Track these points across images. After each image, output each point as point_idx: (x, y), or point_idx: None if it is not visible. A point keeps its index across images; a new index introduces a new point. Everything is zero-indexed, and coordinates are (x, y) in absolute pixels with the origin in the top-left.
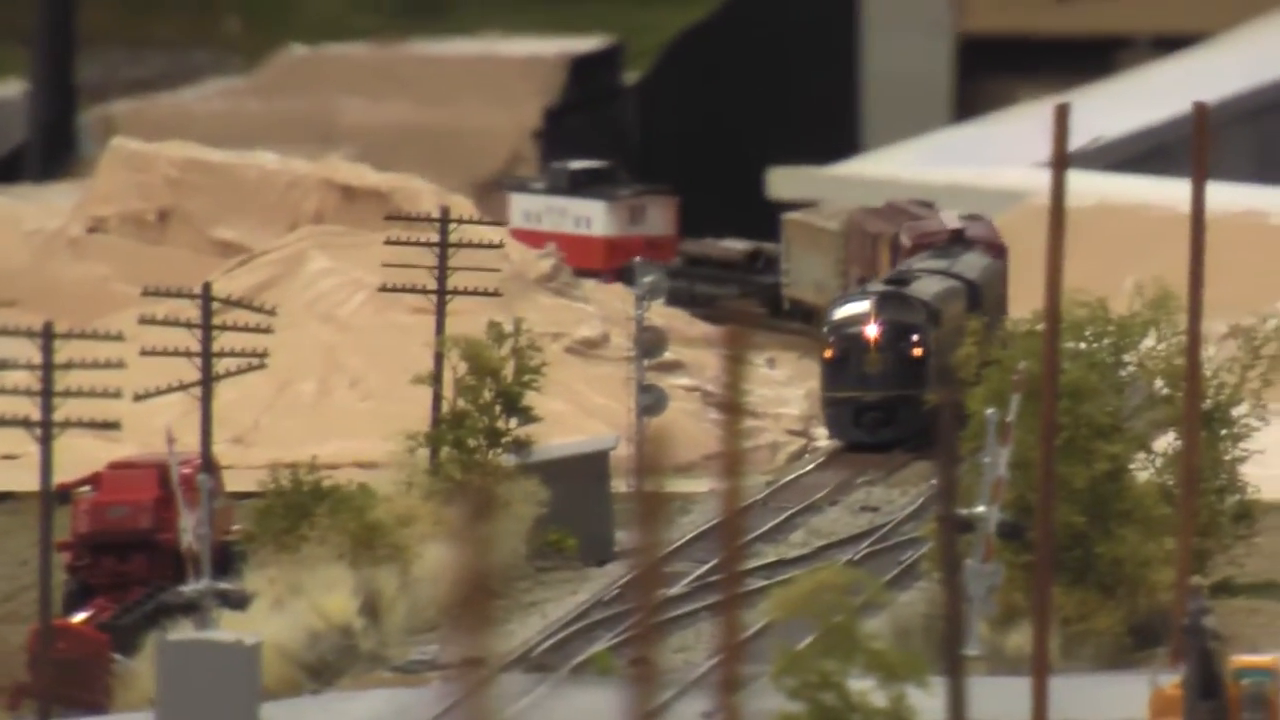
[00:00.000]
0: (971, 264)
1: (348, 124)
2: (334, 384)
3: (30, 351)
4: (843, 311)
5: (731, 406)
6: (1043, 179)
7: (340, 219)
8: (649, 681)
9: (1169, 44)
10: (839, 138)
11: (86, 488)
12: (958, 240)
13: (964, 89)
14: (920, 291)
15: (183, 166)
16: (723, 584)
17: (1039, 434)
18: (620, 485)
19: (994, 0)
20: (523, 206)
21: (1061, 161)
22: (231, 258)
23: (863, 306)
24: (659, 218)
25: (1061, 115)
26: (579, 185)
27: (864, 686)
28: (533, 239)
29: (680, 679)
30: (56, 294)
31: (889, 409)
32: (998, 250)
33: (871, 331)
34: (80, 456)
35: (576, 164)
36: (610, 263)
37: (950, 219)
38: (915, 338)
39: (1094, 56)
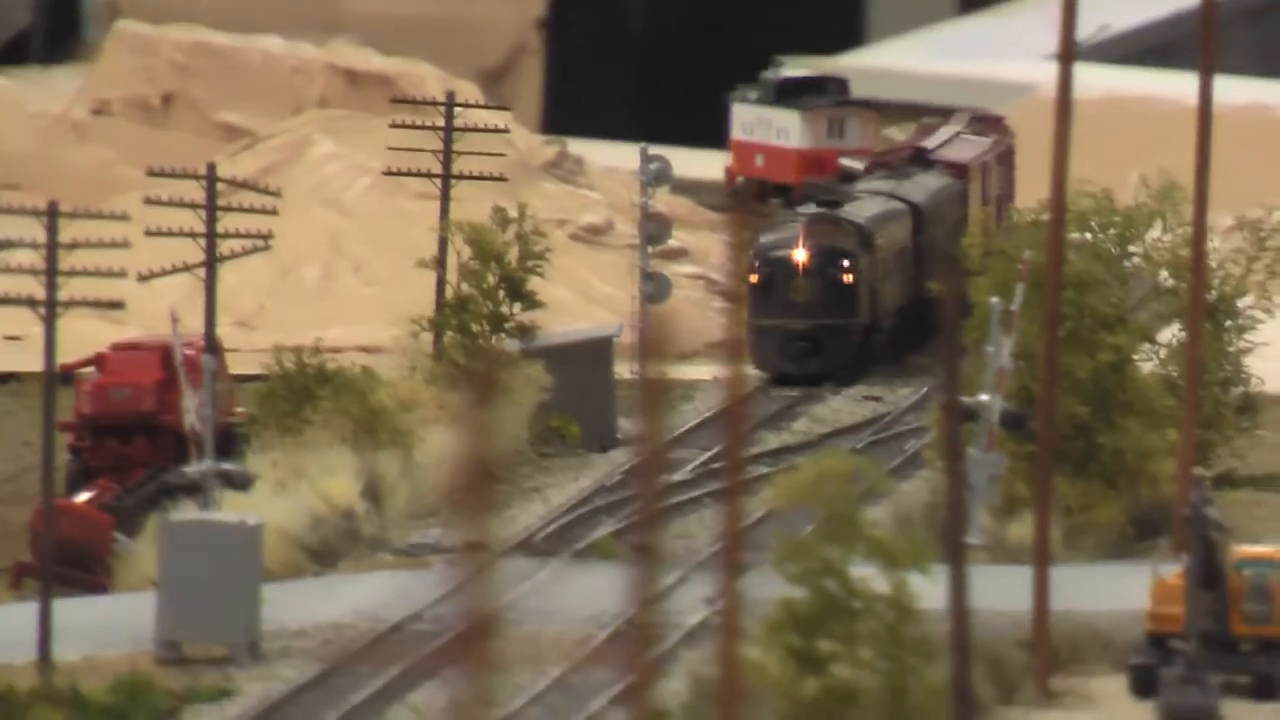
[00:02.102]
0: (921, 185)
1: (352, 11)
2: (338, 269)
3: (35, 231)
4: (771, 234)
5: (735, 293)
6: (1050, 71)
7: (345, 104)
8: (651, 566)
9: None
10: (844, 28)
11: (89, 368)
12: (917, 159)
13: None
14: (854, 214)
15: (187, 50)
16: (726, 470)
17: (1042, 324)
18: (623, 372)
19: None
20: (741, 117)
21: (1069, 53)
22: (236, 142)
23: (791, 229)
24: (858, 131)
25: (1069, 6)
26: (783, 95)
27: (866, 573)
28: (745, 150)
29: (683, 564)
30: (61, 177)
31: (816, 339)
32: (958, 170)
33: (799, 256)
34: (84, 337)
35: (788, 73)
36: (804, 176)
37: (963, 121)
38: (845, 263)
39: None
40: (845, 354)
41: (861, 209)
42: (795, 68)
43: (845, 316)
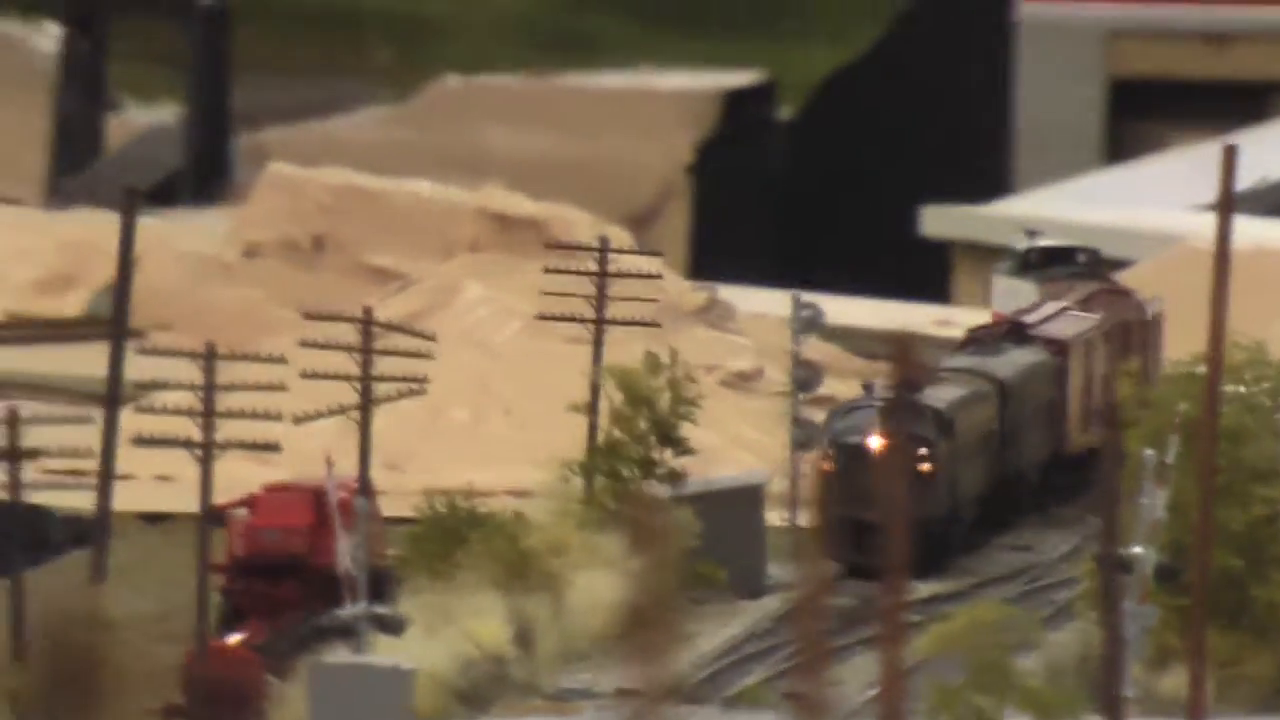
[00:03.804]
0: (1011, 362)
1: (498, 155)
2: (487, 411)
3: (184, 372)
4: (844, 419)
5: (894, 438)
6: (1196, 221)
7: (494, 247)
8: (808, 714)
9: None
10: (988, 180)
11: (242, 510)
12: (1013, 334)
13: (1114, 132)
14: (933, 398)
15: (337, 192)
16: (883, 618)
17: (1196, 477)
18: (773, 519)
19: (1145, 44)
20: (997, 288)
21: (1228, 202)
22: (384, 284)
23: (865, 414)
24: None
25: (1229, 156)
26: (1027, 266)
27: None
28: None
29: (838, 713)
30: (210, 317)
31: None
32: (1057, 347)
33: (874, 443)
34: (233, 478)
35: (1037, 243)
36: None
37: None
38: (923, 451)
39: (1247, 100)
40: (923, 546)
41: (942, 392)
42: (1047, 238)
43: (922, 508)
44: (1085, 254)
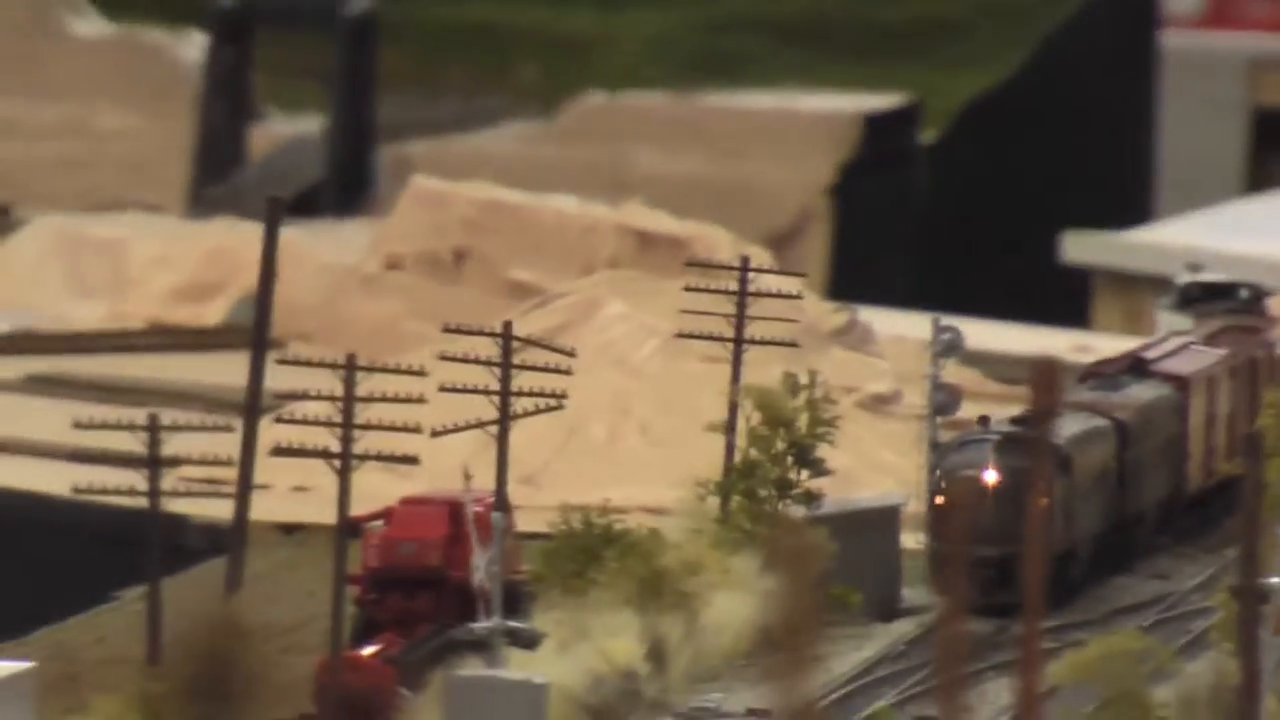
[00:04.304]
0: (1131, 399)
1: (641, 173)
2: (624, 429)
3: (322, 382)
4: (959, 452)
5: (1040, 461)
6: None
7: (636, 265)
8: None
9: None
10: (1130, 208)
11: (378, 522)
12: (1134, 369)
13: (1257, 163)
14: (1051, 433)
15: (480, 207)
16: (1021, 644)
17: None
18: (909, 542)
19: None
20: (1160, 324)
21: None
22: (525, 300)
23: (981, 448)
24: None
25: None
26: (1187, 300)
27: None
28: None
29: None
30: (349, 330)
31: (1005, 568)
32: (1179, 383)
33: (989, 478)
34: (370, 491)
35: (1204, 277)
36: None
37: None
38: (1043, 487)
39: None
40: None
41: (1060, 427)
42: (1210, 272)
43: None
44: (1248, 289)
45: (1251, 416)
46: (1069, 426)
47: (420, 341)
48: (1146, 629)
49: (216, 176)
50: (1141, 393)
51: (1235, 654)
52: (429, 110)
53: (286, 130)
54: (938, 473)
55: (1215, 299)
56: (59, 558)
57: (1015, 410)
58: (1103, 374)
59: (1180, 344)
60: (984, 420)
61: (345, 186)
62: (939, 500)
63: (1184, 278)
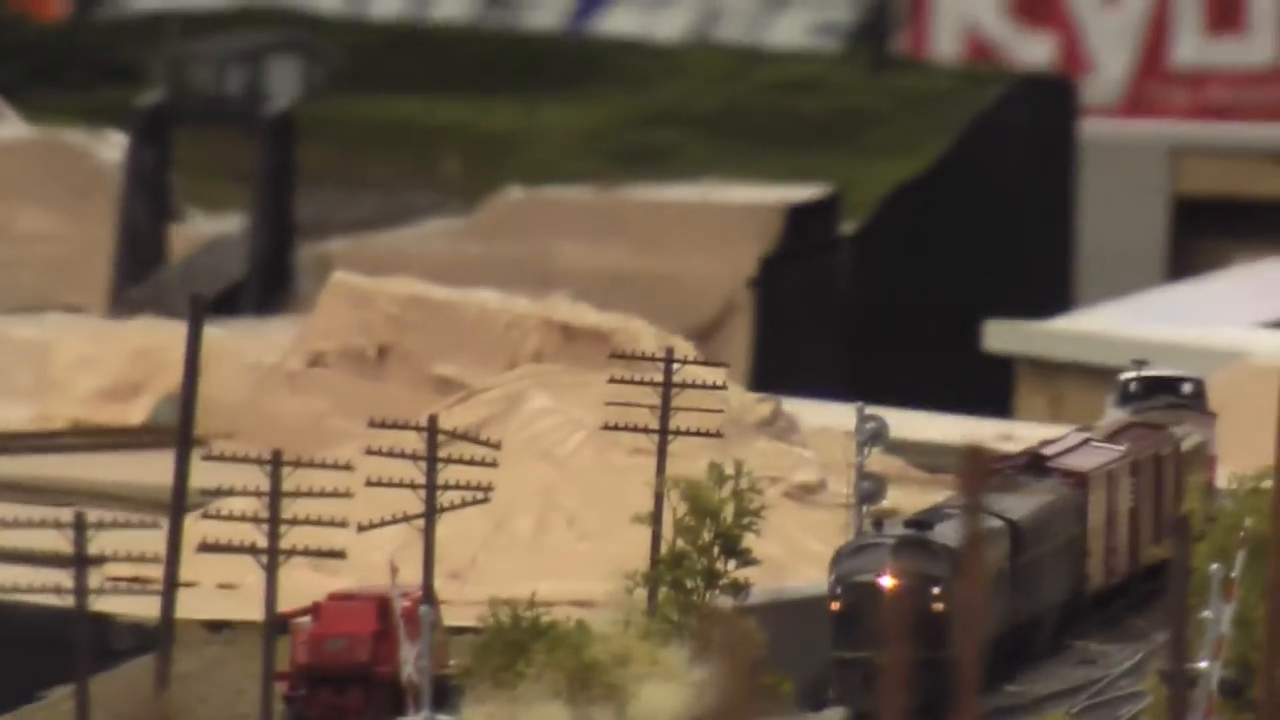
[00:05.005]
0: (1026, 499)
1: (564, 267)
2: (551, 522)
3: (248, 479)
4: (852, 558)
5: (973, 552)
6: (1259, 338)
7: (560, 358)
8: None
9: None
10: (1051, 296)
11: (305, 618)
12: (1032, 467)
13: (1178, 249)
14: (946, 536)
15: (403, 303)
16: None
17: (1262, 592)
18: None
19: (1211, 163)
20: (1106, 419)
21: None
22: (449, 395)
23: (876, 553)
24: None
25: None
26: (1127, 398)
27: None
28: None
29: None
30: (274, 427)
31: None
32: (1077, 480)
33: (885, 582)
34: (296, 588)
35: (1140, 372)
36: None
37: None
38: (936, 591)
39: None
40: (937, 690)
41: (956, 529)
42: (1153, 367)
43: (936, 649)
44: (1190, 384)
45: (1157, 513)
46: (962, 529)
47: (345, 438)
48: (1076, 714)
49: (138, 276)
50: (1038, 493)
51: None
52: (350, 207)
53: (207, 230)
54: (834, 579)
55: (1157, 393)
56: None
57: (940, 497)
58: (1000, 471)
59: (1080, 440)
60: (878, 523)
61: (267, 285)
62: (835, 607)
63: (1127, 373)
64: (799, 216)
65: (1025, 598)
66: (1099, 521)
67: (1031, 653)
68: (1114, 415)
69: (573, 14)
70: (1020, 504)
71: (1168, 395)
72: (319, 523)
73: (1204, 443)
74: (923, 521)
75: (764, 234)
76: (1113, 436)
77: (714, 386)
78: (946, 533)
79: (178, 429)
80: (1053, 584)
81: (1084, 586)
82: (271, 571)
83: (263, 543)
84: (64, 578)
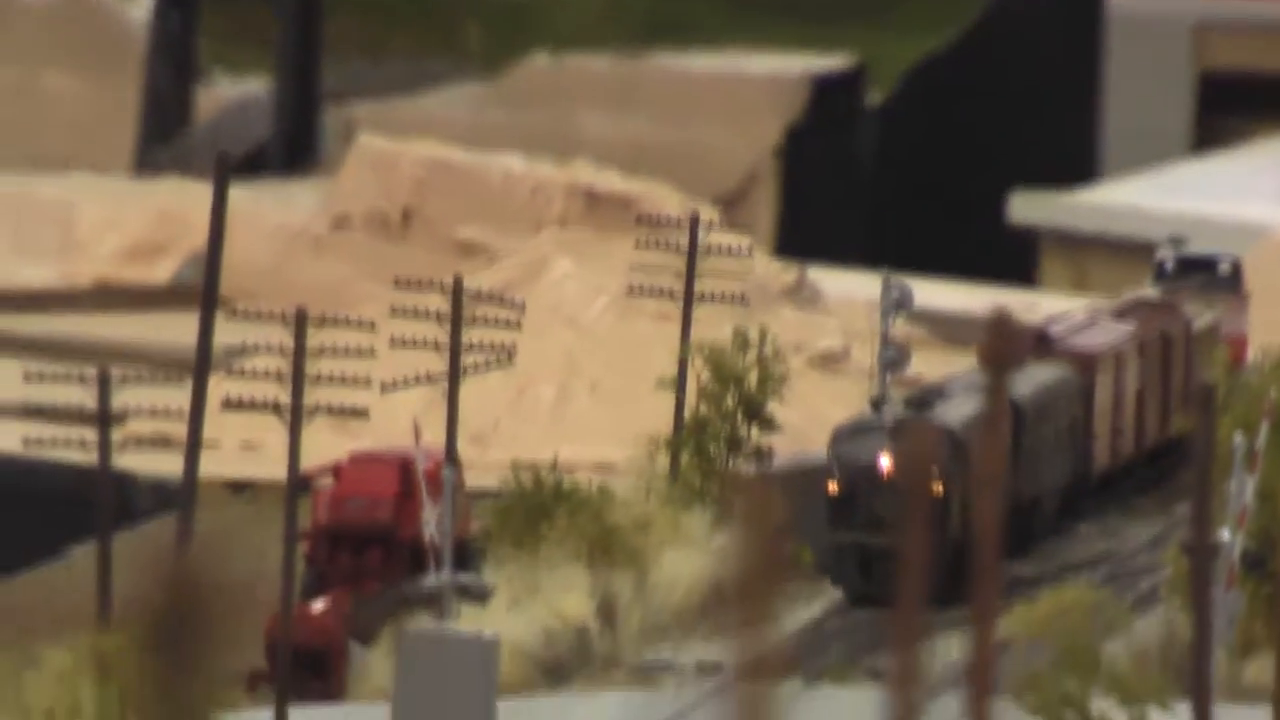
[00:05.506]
0: (1030, 380)
1: (587, 136)
2: (574, 387)
3: (271, 339)
4: (850, 437)
5: (993, 418)
6: None
7: (584, 224)
8: (901, 689)
9: None
10: (1077, 170)
11: (327, 478)
12: (1038, 347)
13: (1202, 124)
14: (946, 416)
15: (428, 167)
16: (975, 594)
17: None
18: None
19: (1233, 37)
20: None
21: None
22: (473, 260)
23: (874, 433)
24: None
25: None
26: (1162, 275)
27: (1104, 706)
28: None
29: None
30: (297, 290)
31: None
32: (1084, 361)
33: (883, 464)
34: (318, 448)
35: (1178, 252)
36: None
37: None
38: (934, 473)
39: None
40: (933, 575)
41: (955, 410)
42: (1193, 247)
43: (935, 533)
44: (1227, 262)
45: (1165, 395)
46: (963, 409)
47: (369, 301)
48: (1097, 585)
49: (163, 138)
50: (1042, 374)
51: (1186, 609)
52: (374, 75)
53: (232, 92)
54: (831, 460)
55: (1193, 272)
56: (6, 516)
57: (964, 365)
58: (1023, 338)
59: (1089, 318)
60: (876, 404)
61: (292, 147)
62: (832, 489)
63: (1163, 251)
64: (825, 87)
65: (1027, 479)
66: (1105, 404)
67: (1031, 535)
68: (1149, 292)
69: None
70: (1022, 385)
71: (1204, 274)
72: (342, 381)
73: (1217, 323)
74: (923, 401)
75: (789, 105)
76: (1122, 314)
77: (739, 252)
78: (948, 413)
79: (203, 288)
80: (1055, 466)
81: (1088, 469)
82: (295, 429)
83: (286, 400)
84: (88, 433)
